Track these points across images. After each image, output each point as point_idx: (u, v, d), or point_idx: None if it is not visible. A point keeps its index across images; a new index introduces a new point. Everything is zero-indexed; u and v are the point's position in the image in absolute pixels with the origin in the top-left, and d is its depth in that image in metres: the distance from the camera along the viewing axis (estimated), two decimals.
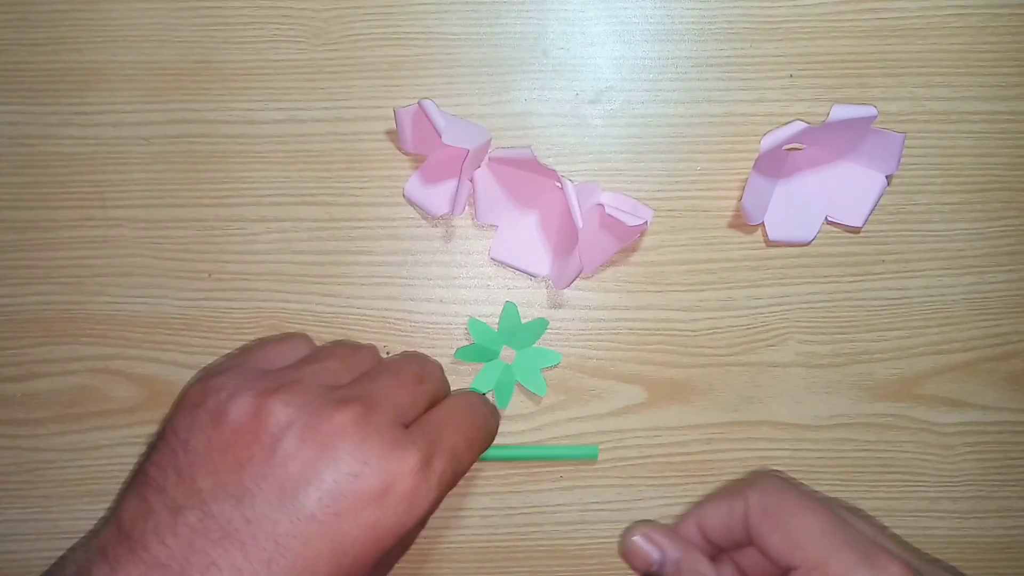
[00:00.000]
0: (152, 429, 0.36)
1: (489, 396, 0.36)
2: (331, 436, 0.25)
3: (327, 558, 0.24)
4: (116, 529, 0.25)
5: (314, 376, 0.28)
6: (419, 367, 0.30)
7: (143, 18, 0.36)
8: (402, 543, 0.27)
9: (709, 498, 0.32)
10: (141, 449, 0.36)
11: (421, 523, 0.27)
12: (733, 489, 0.31)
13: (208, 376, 0.28)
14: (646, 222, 0.32)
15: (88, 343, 0.36)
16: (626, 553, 0.31)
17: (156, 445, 0.27)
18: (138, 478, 0.26)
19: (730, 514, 0.30)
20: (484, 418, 0.31)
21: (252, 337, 0.36)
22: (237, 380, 0.27)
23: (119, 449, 0.36)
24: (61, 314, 0.36)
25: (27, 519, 0.36)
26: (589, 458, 0.36)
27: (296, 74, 0.36)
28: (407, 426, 0.28)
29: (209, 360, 0.36)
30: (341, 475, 0.25)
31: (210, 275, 0.36)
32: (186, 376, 0.36)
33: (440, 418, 0.29)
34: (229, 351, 0.36)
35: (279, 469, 0.25)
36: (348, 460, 0.25)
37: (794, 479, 0.36)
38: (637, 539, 0.31)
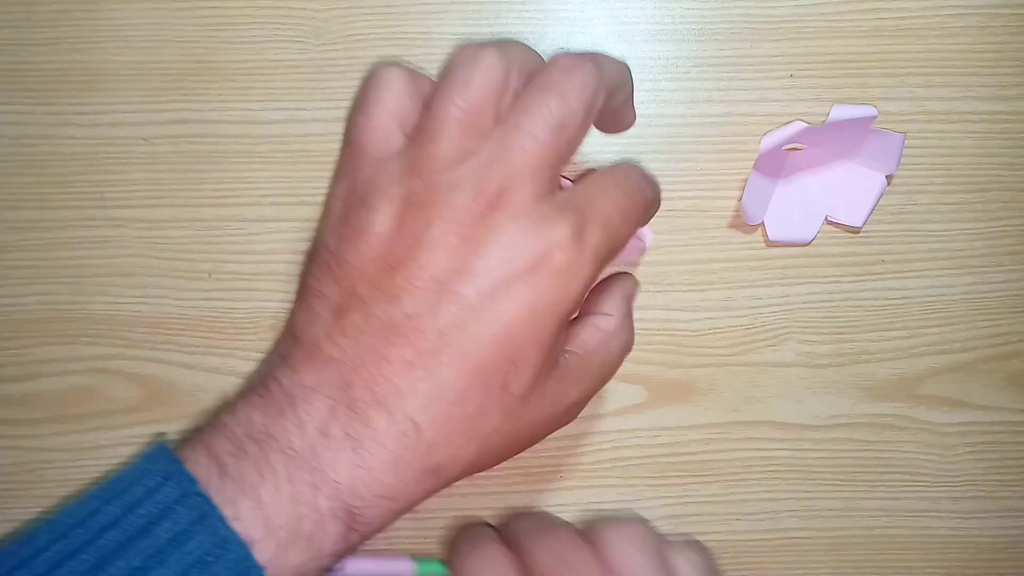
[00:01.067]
0: (153, 429, 0.36)
1: None
2: (477, 226, 0.25)
3: (489, 343, 0.25)
4: (291, 337, 0.27)
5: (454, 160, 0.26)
6: (555, 106, 0.26)
7: (144, 18, 0.36)
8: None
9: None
10: (142, 449, 0.36)
11: (577, 301, 0.26)
12: None
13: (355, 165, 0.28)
14: (645, 245, 0.32)
15: (88, 343, 0.36)
16: None
17: (312, 257, 0.28)
18: (303, 290, 0.28)
19: None
20: (640, 186, 0.29)
21: (252, 337, 0.36)
22: (380, 184, 0.27)
23: (120, 449, 0.36)
24: (61, 314, 0.36)
25: (27, 519, 0.36)
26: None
27: (297, 74, 0.36)
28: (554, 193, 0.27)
29: (209, 360, 0.36)
30: (493, 259, 0.25)
31: (210, 275, 0.36)
32: (186, 376, 0.36)
33: (591, 187, 0.27)
34: (229, 351, 0.36)
35: (430, 265, 0.25)
36: (497, 245, 0.25)
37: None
38: None
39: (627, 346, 0.31)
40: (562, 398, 0.28)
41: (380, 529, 0.26)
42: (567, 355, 0.28)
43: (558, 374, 0.27)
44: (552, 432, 0.29)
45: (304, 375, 0.25)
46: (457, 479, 0.27)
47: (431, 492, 0.27)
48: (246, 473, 0.24)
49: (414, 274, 0.25)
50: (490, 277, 0.25)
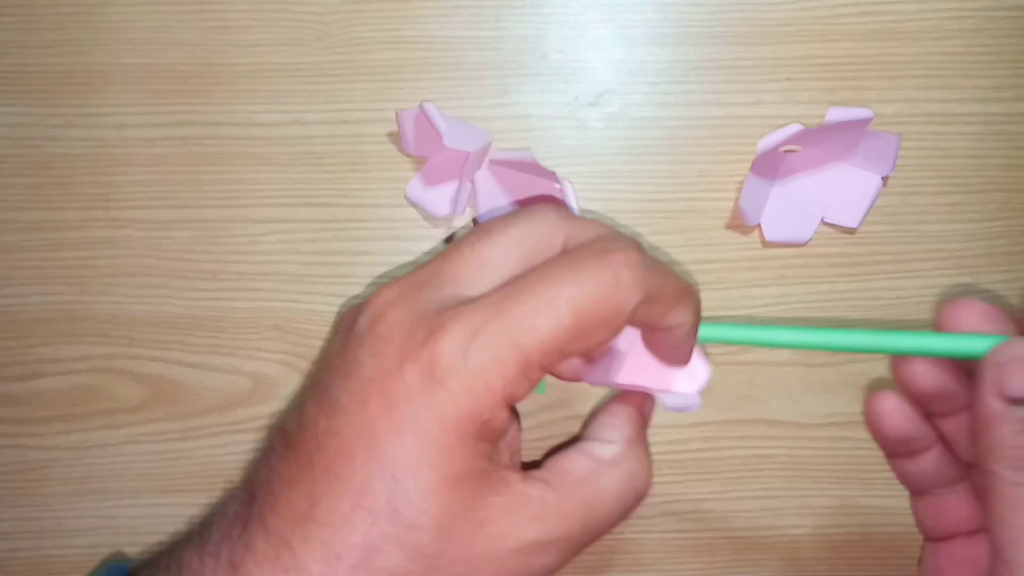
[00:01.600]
0: (157, 428, 0.36)
1: None
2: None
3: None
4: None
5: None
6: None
7: (147, 21, 0.36)
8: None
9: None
10: (146, 448, 0.36)
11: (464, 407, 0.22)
12: None
13: None
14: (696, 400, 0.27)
15: (92, 343, 0.36)
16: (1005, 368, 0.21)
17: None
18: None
19: None
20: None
21: (256, 337, 0.36)
22: None
23: (123, 448, 0.36)
24: (66, 314, 0.36)
25: (31, 518, 0.37)
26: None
27: (299, 77, 0.36)
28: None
29: (212, 359, 0.36)
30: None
31: (214, 275, 0.36)
32: (190, 376, 0.36)
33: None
34: (233, 351, 0.36)
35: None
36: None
37: None
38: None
39: (632, 484, 0.25)
40: (510, 533, 0.22)
41: None
42: (529, 480, 0.23)
43: (503, 502, 0.22)
44: None
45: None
46: None
47: None
48: None
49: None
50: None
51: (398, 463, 0.20)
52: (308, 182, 0.36)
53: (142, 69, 0.36)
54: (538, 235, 0.23)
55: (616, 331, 0.22)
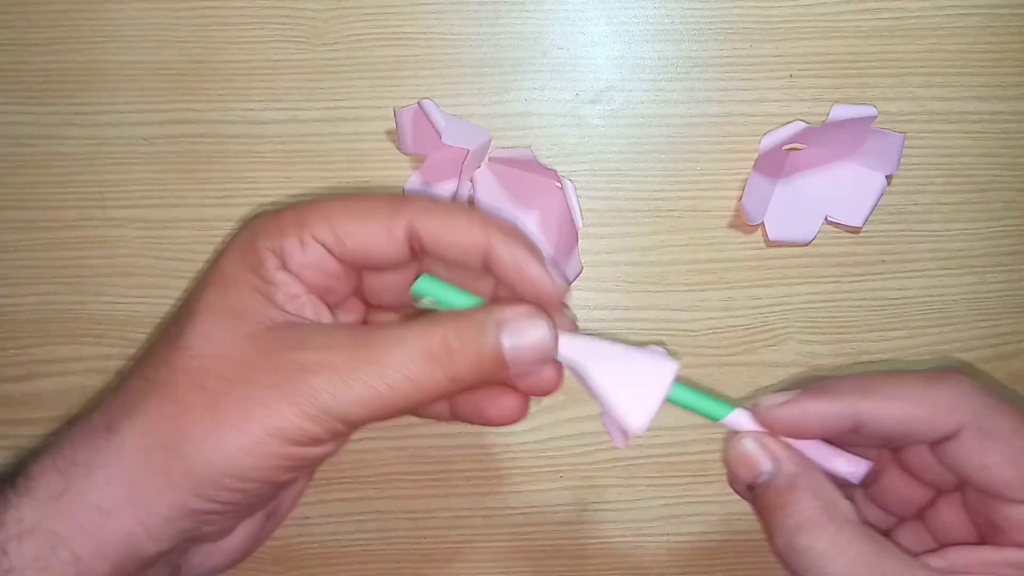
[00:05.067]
0: None
1: None
2: None
3: None
4: None
5: None
6: None
7: (143, 18, 0.36)
8: None
9: (871, 390, 0.25)
10: None
11: None
12: (911, 387, 0.24)
13: None
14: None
15: (89, 343, 0.36)
16: (732, 459, 0.26)
17: None
18: None
19: (909, 419, 0.24)
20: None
21: None
22: None
23: None
24: (62, 314, 0.36)
25: None
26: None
27: (297, 74, 0.36)
28: None
29: None
30: None
31: None
32: None
33: None
34: None
35: None
36: None
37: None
38: (748, 444, 0.25)
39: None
40: None
41: None
42: None
43: None
44: None
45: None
46: None
47: None
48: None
49: None
50: None
51: None
52: (306, 180, 0.36)
53: (138, 67, 0.36)
54: None
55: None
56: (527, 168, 0.35)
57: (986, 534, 0.25)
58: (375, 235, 0.25)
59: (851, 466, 0.25)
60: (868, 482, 0.27)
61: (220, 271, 0.25)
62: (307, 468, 0.25)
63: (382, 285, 0.28)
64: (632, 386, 0.25)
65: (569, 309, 0.27)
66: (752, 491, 0.25)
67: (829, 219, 0.36)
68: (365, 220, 0.25)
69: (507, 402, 0.26)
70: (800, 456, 0.25)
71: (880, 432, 0.24)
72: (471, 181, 0.35)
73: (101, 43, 0.36)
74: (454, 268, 0.26)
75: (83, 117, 0.36)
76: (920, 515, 0.27)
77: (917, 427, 0.24)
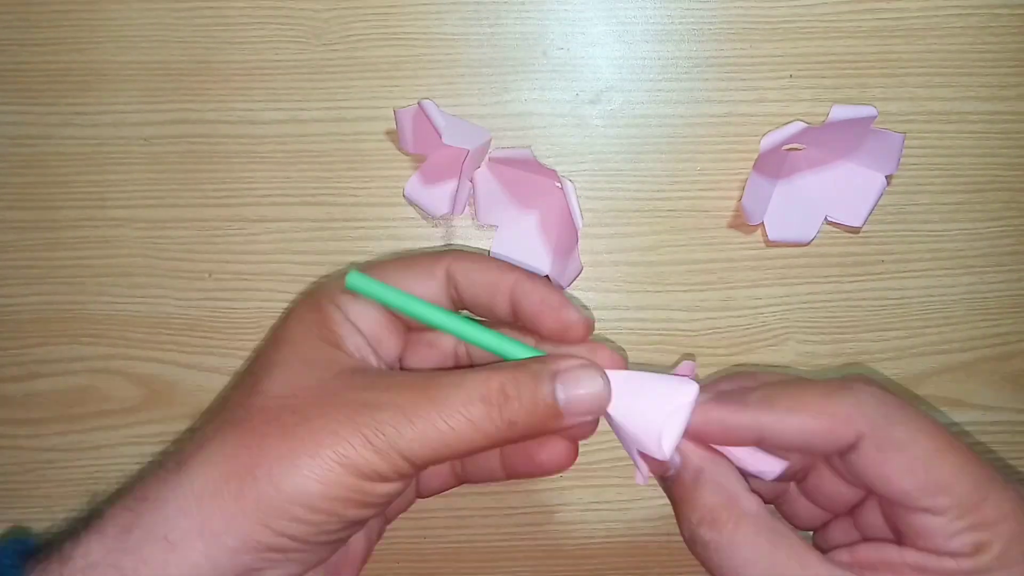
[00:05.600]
0: (153, 429, 0.36)
1: None
2: None
3: None
4: None
5: None
6: None
7: (143, 18, 0.36)
8: None
9: (774, 403, 0.25)
10: (143, 449, 0.36)
11: None
12: (811, 398, 0.25)
13: None
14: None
15: (89, 343, 0.36)
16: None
17: None
18: None
19: (808, 433, 0.24)
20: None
21: (253, 338, 0.36)
22: None
23: (120, 449, 0.36)
24: (62, 314, 0.36)
25: (28, 519, 0.36)
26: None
27: (296, 74, 0.36)
28: None
29: (209, 360, 0.36)
30: None
31: (211, 275, 0.36)
32: (186, 376, 0.36)
33: None
34: (230, 351, 0.36)
35: None
36: None
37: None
38: None
39: None
40: None
41: None
42: None
43: None
44: None
45: None
46: None
47: None
48: None
49: None
50: None
51: None
52: (305, 181, 0.36)
53: (138, 67, 0.36)
54: None
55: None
56: (527, 168, 0.35)
57: (897, 540, 0.25)
58: (418, 277, 0.28)
59: (765, 464, 0.25)
60: (797, 479, 0.28)
61: (289, 329, 0.27)
62: (373, 509, 0.25)
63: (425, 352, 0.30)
64: (650, 415, 0.25)
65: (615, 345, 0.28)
66: (664, 482, 0.26)
67: (829, 219, 0.36)
68: (409, 267, 0.29)
69: (557, 448, 0.28)
70: (709, 450, 0.25)
71: (782, 446, 0.25)
72: (471, 181, 0.35)
73: (101, 43, 0.36)
74: (484, 313, 0.29)
75: (83, 117, 0.36)
76: (851, 512, 0.28)
77: (816, 441, 0.24)
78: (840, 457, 0.25)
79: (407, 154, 0.36)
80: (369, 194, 0.36)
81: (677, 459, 0.25)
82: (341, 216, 0.36)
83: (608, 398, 0.25)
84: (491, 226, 0.36)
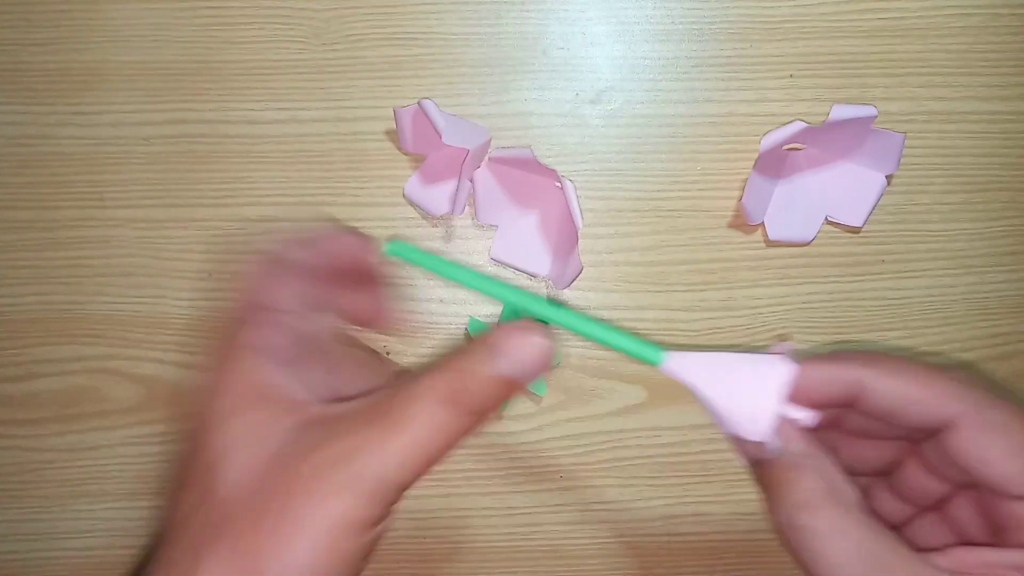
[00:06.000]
0: (152, 429, 0.36)
1: None
2: None
3: None
4: None
5: None
6: None
7: (143, 18, 0.36)
8: None
9: (875, 363, 0.24)
10: (142, 449, 0.36)
11: None
12: (913, 368, 0.24)
13: None
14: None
15: (87, 343, 0.36)
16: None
17: None
18: None
19: (907, 397, 0.24)
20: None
21: None
22: None
23: (119, 449, 0.36)
24: (61, 314, 0.36)
25: (26, 519, 0.36)
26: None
27: (296, 74, 0.36)
28: None
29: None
30: None
31: (210, 275, 0.36)
32: (186, 376, 0.36)
33: None
34: None
35: None
36: None
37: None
38: None
39: None
40: None
41: None
42: None
43: None
44: None
45: None
46: None
47: None
48: None
49: None
50: None
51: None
52: (305, 180, 0.36)
53: (137, 67, 0.36)
54: None
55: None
56: (527, 168, 0.35)
57: (994, 533, 0.24)
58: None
59: (802, 413, 0.25)
60: (885, 472, 0.27)
61: (219, 401, 0.25)
62: (374, 550, 0.25)
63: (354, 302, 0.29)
64: (746, 395, 0.24)
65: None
66: (758, 466, 0.25)
67: (829, 219, 0.35)
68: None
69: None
70: (809, 437, 0.25)
71: (878, 406, 0.24)
72: (471, 181, 0.35)
73: (101, 43, 0.36)
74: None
75: (83, 117, 0.36)
76: (938, 508, 0.27)
77: (914, 408, 0.24)
78: (933, 440, 0.24)
79: (407, 154, 0.36)
80: (369, 194, 0.36)
81: (777, 442, 0.25)
82: (341, 216, 0.36)
83: (551, 347, 0.24)
84: (491, 226, 0.36)
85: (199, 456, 0.25)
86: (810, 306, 0.36)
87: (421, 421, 0.23)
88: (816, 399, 0.25)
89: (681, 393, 0.36)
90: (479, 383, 0.24)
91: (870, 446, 0.26)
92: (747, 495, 0.36)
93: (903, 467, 0.27)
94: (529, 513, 0.36)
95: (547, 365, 0.25)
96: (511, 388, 0.24)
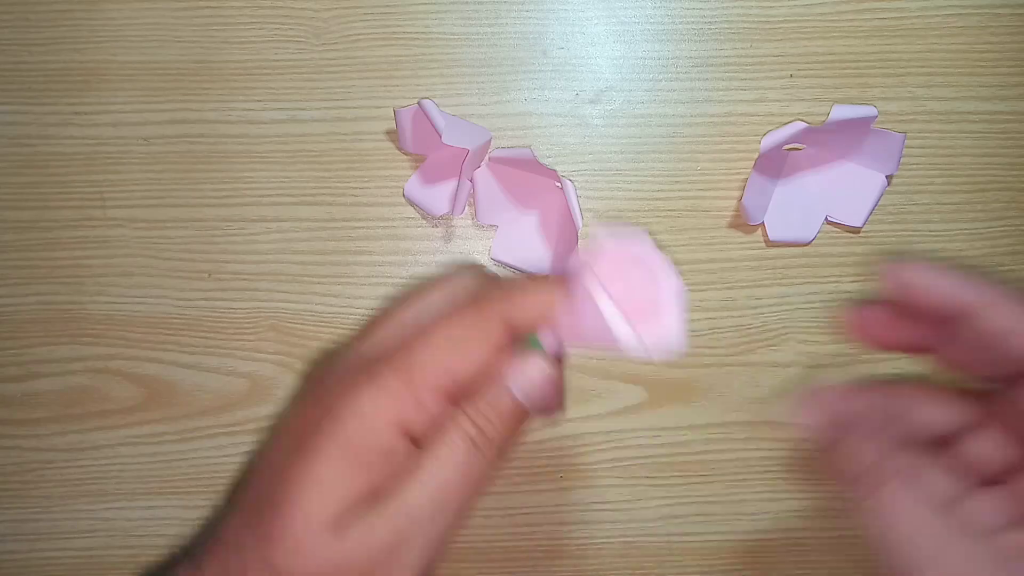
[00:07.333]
0: (152, 429, 0.36)
1: None
2: None
3: None
4: None
5: None
6: None
7: (143, 18, 0.36)
8: None
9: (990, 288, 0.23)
10: (142, 449, 0.36)
11: None
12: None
13: None
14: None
15: (88, 343, 0.36)
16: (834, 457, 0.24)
17: None
18: None
19: (1018, 329, 0.22)
20: None
21: (252, 337, 0.36)
22: None
23: (119, 449, 0.36)
24: (61, 314, 0.36)
25: (27, 519, 0.36)
26: None
27: (296, 74, 0.36)
28: None
29: (208, 360, 0.36)
30: None
31: (210, 275, 0.36)
32: (186, 376, 0.36)
33: None
34: (229, 351, 0.36)
35: None
36: None
37: None
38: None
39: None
40: None
41: None
42: None
43: None
44: None
45: None
46: None
47: None
48: None
49: None
50: None
51: None
52: (305, 180, 0.36)
53: (137, 67, 0.36)
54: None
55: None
56: (527, 168, 0.35)
57: None
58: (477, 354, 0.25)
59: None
60: (949, 440, 0.25)
61: (314, 470, 0.23)
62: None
63: None
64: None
65: None
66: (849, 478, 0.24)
67: (829, 219, 0.36)
68: (466, 342, 0.25)
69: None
70: (901, 446, 0.23)
71: (984, 331, 0.23)
72: (471, 181, 0.35)
73: (101, 43, 0.36)
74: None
75: (83, 117, 0.36)
76: (1001, 480, 0.25)
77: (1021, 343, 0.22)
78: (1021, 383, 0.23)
79: (407, 154, 0.36)
80: (369, 194, 0.36)
81: (810, 419, 0.23)
82: (341, 216, 0.36)
83: (552, 371, 0.25)
84: (491, 226, 0.36)
85: (266, 541, 0.23)
86: (810, 306, 0.36)
87: (448, 466, 0.24)
88: (922, 300, 0.24)
89: (681, 393, 0.36)
90: (498, 414, 0.25)
91: (941, 407, 0.24)
92: (747, 495, 0.36)
93: (973, 435, 0.25)
94: (529, 513, 0.36)
95: (550, 385, 0.25)
96: (524, 414, 0.25)
